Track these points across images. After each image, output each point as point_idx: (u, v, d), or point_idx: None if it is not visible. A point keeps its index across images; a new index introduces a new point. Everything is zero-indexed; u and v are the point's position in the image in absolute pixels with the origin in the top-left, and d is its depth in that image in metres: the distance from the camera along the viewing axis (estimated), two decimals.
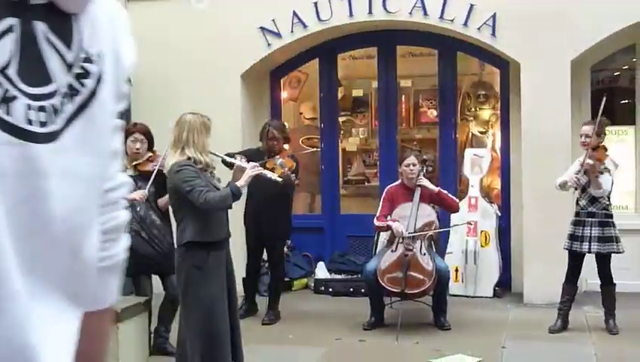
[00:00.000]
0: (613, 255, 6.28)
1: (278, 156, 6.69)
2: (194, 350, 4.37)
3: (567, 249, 6.33)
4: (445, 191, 6.82)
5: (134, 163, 5.65)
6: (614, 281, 6.34)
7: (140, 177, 5.54)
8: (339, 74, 8.93)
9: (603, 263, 6.30)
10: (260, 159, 6.68)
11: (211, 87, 7.99)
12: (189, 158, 4.47)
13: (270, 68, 8.66)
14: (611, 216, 6.25)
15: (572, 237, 6.26)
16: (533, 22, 7.39)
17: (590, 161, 5.98)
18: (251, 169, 4.57)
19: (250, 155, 6.82)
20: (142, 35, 8.93)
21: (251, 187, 6.53)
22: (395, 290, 6.43)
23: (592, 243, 6.17)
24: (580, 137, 6.26)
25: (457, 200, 7.05)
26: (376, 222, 6.77)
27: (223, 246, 4.56)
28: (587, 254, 6.30)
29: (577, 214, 6.28)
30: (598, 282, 6.44)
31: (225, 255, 4.58)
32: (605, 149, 6.21)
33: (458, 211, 7.17)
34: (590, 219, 6.18)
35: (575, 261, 6.35)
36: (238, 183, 4.46)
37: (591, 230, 6.18)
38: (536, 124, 7.34)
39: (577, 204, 6.32)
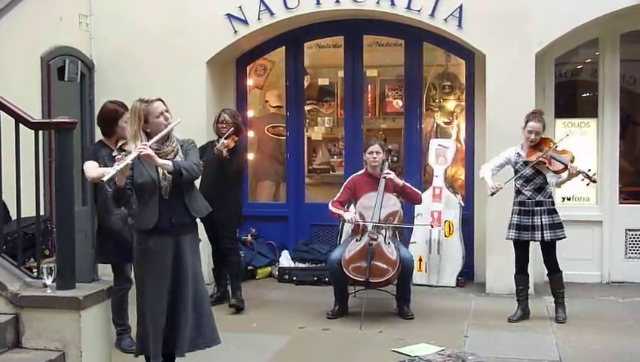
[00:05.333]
0: (558, 244, 6.42)
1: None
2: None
3: (514, 239, 6.40)
4: (409, 185, 6.84)
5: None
6: (561, 270, 6.48)
7: None
8: (305, 62, 8.89)
9: (550, 251, 6.42)
10: (211, 152, 6.71)
11: (177, 73, 7.92)
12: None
13: (236, 55, 8.60)
14: (554, 203, 6.40)
15: (519, 228, 6.35)
16: (499, 14, 7.44)
17: (577, 168, 6.15)
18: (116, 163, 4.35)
19: (208, 145, 6.87)
20: (108, 21, 8.85)
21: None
22: (359, 279, 6.44)
23: (545, 231, 6.28)
24: (528, 133, 6.33)
25: (420, 193, 7.06)
26: (330, 207, 6.77)
27: (170, 234, 4.49)
28: (531, 243, 6.44)
29: (522, 204, 6.35)
30: None
31: (174, 242, 4.51)
32: (549, 142, 6.38)
33: (420, 203, 7.20)
34: (539, 208, 6.28)
35: (523, 250, 6.47)
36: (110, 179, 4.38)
37: (541, 218, 6.28)
38: (500, 116, 7.40)
39: (519, 194, 6.36)
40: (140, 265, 4.56)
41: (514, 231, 6.38)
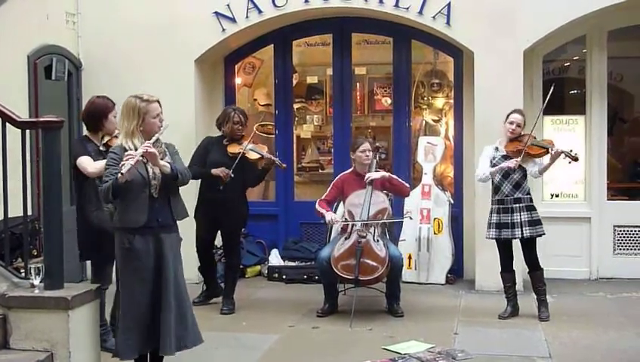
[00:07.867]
0: (545, 240, 6.46)
1: (245, 142, 6.65)
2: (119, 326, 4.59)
3: (495, 238, 6.41)
4: (395, 176, 6.86)
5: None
6: (542, 267, 6.48)
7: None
8: (294, 60, 8.87)
9: (531, 248, 6.43)
10: (222, 147, 6.68)
11: (165, 71, 7.89)
12: (120, 145, 4.46)
13: (224, 53, 8.58)
14: (532, 200, 6.40)
15: (499, 226, 6.36)
16: (487, 11, 7.46)
17: (558, 149, 6.18)
18: (125, 159, 4.29)
19: (212, 143, 6.78)
20: (95, 20, 8.80)
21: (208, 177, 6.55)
22: (349, 277, 6.43)
23: (524, 228, 6.30)
24: (509, 125, 6.36)
25: (408, 185, 7.07)
26: (317, 206, 6.77)
27: (152, 233, 4.48)
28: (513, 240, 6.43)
29: (501, 202, 6.35)
30: (550, 268, 6.55)
31: (155, 240, 4.49)
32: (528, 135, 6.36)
33: (409, 195, 7.19)
34: (517, 205, 6.30)
35: (505, 249, 6.47)
36: (119, 175, 4.28)
37: (520, 215, 6.30)
38: (489, 113, 7.39)
39: (498, 192, 6.37)
40: (124, 264, 4.51)
41: (494, 229, 6.40)
